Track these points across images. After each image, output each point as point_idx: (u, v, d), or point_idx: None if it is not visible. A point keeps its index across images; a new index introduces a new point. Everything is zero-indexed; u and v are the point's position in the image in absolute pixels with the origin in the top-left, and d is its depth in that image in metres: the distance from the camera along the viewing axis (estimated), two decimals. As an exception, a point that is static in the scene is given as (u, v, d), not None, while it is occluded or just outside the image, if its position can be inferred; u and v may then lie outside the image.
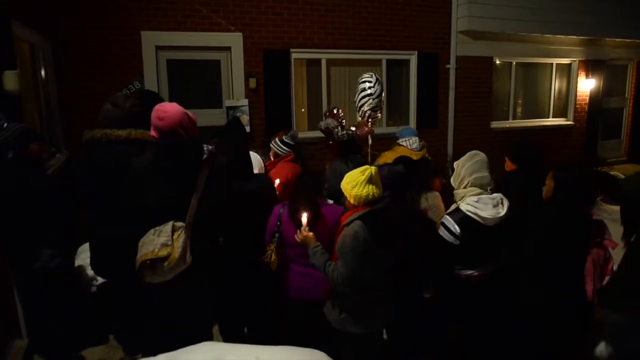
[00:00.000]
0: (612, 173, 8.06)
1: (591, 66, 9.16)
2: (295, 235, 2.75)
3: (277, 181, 3.45)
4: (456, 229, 2.88)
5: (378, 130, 7.15)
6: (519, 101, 8.92)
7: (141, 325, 3.08)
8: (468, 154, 3.07)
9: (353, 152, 4.79)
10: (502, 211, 2.88)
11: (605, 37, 8.90)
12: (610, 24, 8.66)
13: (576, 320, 2.97)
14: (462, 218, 2.88)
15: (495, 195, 2.96)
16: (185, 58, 6.18)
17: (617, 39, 9.07)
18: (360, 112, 4.73)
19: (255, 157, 3.58)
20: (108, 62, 5.64)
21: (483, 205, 2.87)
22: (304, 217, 2.71)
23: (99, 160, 2.77)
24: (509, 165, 3.76)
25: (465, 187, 2.96)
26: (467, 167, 2.96)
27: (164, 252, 2.27)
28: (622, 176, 7.00)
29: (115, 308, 3.41)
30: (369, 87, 4.66)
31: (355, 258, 2.51)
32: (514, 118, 8.81)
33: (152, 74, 5.91)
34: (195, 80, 6.31)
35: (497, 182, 3.65)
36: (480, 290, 3.00)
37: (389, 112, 7.62)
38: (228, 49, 6.30)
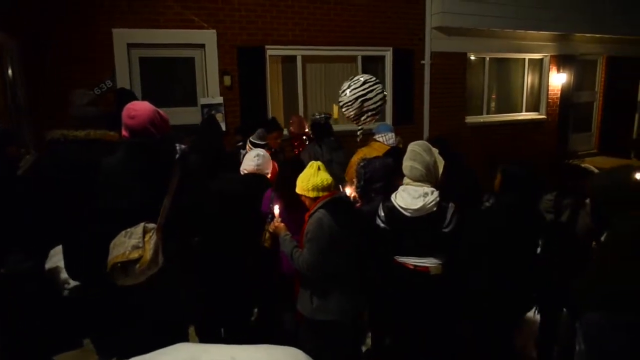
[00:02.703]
0: (583, 165, 8.25)
1: (562, 61, 9.33)
2: (269, 226, 2.91)
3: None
4: (382, 214, 2.96)
5: (353, 126, 7.19)
6: (493, 96, 9.05)
7: (115, 328, 3.02)
8: (413, 142, 3.09)
9: (326, 135, 4.90)
10: (420, 203, 2.87)
11: (575, 32, 9.08)
12: (580, 20, 8.84)
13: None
14: (388, 205, 2.96)
15: (421, 188, 2.93)
16: (159, 56, 6.09)
17: (587, 34, 9.26)
18: (376, 109, 4.67)
19: (266, 155, 3.56)
20: (79, 60, 5.51)
21: (405, 195, 2.90)
22: (276, 209, 2.88)
23: (61, 161, 2.71)
24: None
25: (404, 176, 3.00)
26: (406, 155, 3.01)
27: (135, 255, 2.23)
28: (595, 169, 7.17)
29: (89, 311, 3.34)
30: (382, 89, 4.68)
31: (319, 244, 2.65)
32: (488, 113, 8.93)
33: (125, 72, 5.80)
34: (169, 78, 6.23)
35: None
36: (416, 280, 3.01)
37: (366, 109, 7.63)
38: (202, 46, 6.23)
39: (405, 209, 2.89)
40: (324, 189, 2.73)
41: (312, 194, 2.74)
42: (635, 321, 2.57)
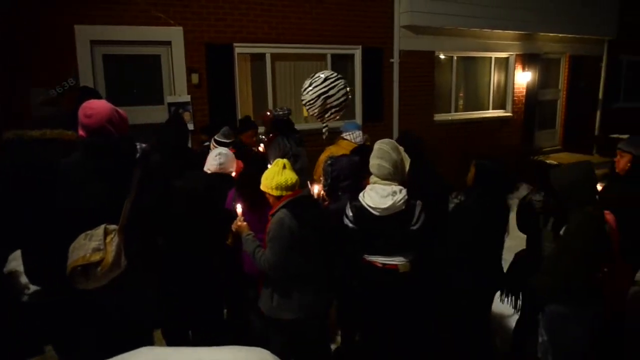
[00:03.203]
0: (548, 161, 8.50)
1: (527, 60, 9.54)
2: (232, 225, 2.92)
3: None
4: (350, 214, 2.94)
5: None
6: (461, 94, 9.19)
7: (77, 333, 2.94)
8: (379, 140, 3.07)
9: (291, 130, 4.93)
10: (389, 202, 2.85)
11: (539, 32, 9.30)
12: (545, 20, 9.07)
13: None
14: (356, 205, 2.94)
15: (390, 186, 2.92)
16: (123, 53, 5.95)
17: (551, 34, 9.50)
18: (340, 106, 4.63)
19: (228, 154, 3.50)
20: (39, 58, 5.32)
21: (373, 194, 2.89)
22: (238, 208, 2.89)
23: (16, 161, 2.60)
24: None
25: (371, 175, 2.98)
26: (372, 155, 2.99)
27: (96, 257, 2.18)
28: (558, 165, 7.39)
29: (50, 317, 3.24)
30: (345, 84, 4.64)
31: (280, 244, 2.66)
32: (456, 110, 9.06)
33: (88, 70, 5.64)
34: (135, 76, 6.09)
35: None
36: (385, 278, 3.02)
37: (335, 107, 7.65)
38: (168, 43, 6.11)
39: (374, 208, 2.87)
40: (287, 188, 2.73)
41: (275, 193, 2.73)
42: (591, 313, 2.66)
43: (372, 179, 2.99)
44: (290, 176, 2.75)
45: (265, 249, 2.74)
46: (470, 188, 3.16)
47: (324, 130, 4.87)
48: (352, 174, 3.18)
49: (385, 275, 2.98)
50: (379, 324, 3.14)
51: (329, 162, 3.20)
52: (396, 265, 2.99)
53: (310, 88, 4.55)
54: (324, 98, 4.46)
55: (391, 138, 7.74)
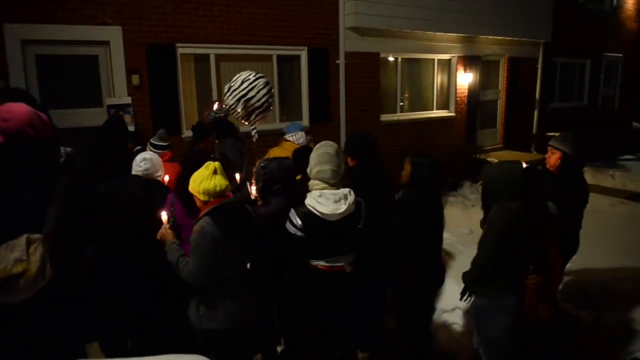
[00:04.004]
0: (489, 159, 8.83)
1: (468, 61, 9.86)
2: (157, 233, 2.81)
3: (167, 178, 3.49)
4: (298, 222, 2.85)
5: (272, 126, 7.17)
6: (406, 95, 9.39)
7: (2, 348, 2.78)
8: (319, 143, 3.00)
9: (232, 129, 4.85)
10: (343, 207, 2.83)
11: (479, 34, 9.63)
12: (484, 23, 9.40)
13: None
14: (304, 212, 2.85)
15: (339, 190, 2.89)
16: (58, 53, 5.69)
17: (490, 37, 9.86)
18: (262, 107, 4.55)
19: (154, 159, 3.38)
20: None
21: (324, 201, 2.82)
22: (164, 215, 2.78)
23: None
24: (350, 162, 3.65)
25: (313, 180, 2.92)
26: (313, 158, 2.92)
27: (18, 269, 2.06)
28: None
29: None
30: (266, 83, 4.54)
31: (203, 253, 2.58)
32: (402, 111, 9.25)
33: (19, 71, 5.36)
34: (71, 78, 5.83)
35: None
36: (332, 279, 3.01)
37: (282, 108, 7.65)
38: (106, 43, 5.90)
39: (328, 215, 2.81)
40: (215, 195, 2.63)
41: (202, 197, 2.64)
42: (510, 304, 2.78)
43: (315, 184, 2.90)
44: (219, 182, 2.64)
45: (189, 257, 2.66)
46: (406, 186, 3.22)
47: (253, 133, 4.76)
48: (283, 177, 3.12)
49: (332, 277, 2.97)
50: (328, 326, 3.12)
51: (261, 165, 3.17)
52: (342, 266, 2.99)
53: (229, 92, 4.47)
54: (244, 101, 4.37)
55: (339, 138, 7.87)
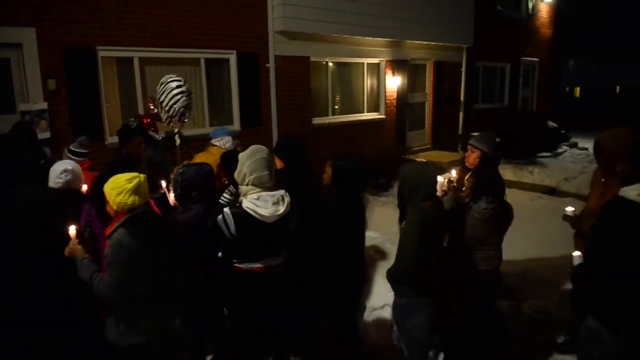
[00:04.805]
0: (418, 160, 9.15)
1: (396, 65, 10.17)
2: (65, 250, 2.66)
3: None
4: (232, 226, 2.84)
5: (202, 130, 7.07)
6: (337, 98, 9.54)
7: None
8: (250, 149, 2.97)
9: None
10: (282, 208, 2.90)
11: (406, 39, 9.97)
12: (410, 29, 9.76)
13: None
14: (241, 215, 2.85)
15: (276, 192, 2.94)
16: (-37, 56, 5.31)
17: (416, 41, 10.24)
18: (171, 111, 4.50)
19: (75, 170, 3.19)
20: None
21: (263, 203, 2.85)
22: (72, 229, 2.64)
23: None
24: (278, 163, 3.66)
25: (247, 185, 2.90)
26: (247, 165, 2.89)
27: None
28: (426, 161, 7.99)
29: None
30: (180, 86, 4.49)
31: (120, 267, 2.49)
32: (333, 114, 9.40)
33: None
34: (-21, 82, 5.46)
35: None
36: (265, 281, 3.02)
37: (212, 112, 7.56)
38: (19, 46, 5.57)
39: (268, 217, 2.83)
40: (129, 210, 2.56)
41: (115, 207, 2.56)
42: (429, 301, 2.92)
43: (252, 188, 2.89)
44: (137, 200, 2.56)
45: (104, 273, 2.54)
46: (327, 188, 3.29)
47: (175, 137, 4.71)
48: (201, 184, 3.08)
49: (266, 278, 2.99)
50: (265, 327, 3.14)
51: (179, 171, 3.12)
52: (276, 265, 3.02)
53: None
54: (159, 105, 4.36)
55: (271, 142, 7.87)
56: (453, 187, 3.47)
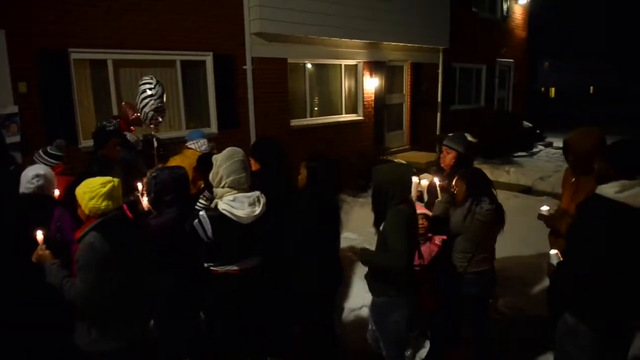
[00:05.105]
0: (396, 160, 9.21)
1: (374, 67, 10.22)
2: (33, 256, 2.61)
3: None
4: (209, 229, 2.82)
5: (178, 133, 7.00)
6: (315, 100, 9.55)
7: None
8: (226, 151, 2.97)
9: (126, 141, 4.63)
10: (258, 209, 2.90)
11: (383, 41, 10.04)
12: (388, 30, 9.83)
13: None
14: (217, 217, 2.83)
15: (251, 193, 2.94)
16: None
17: (393, 43, 10.30)
18: (142, 115, 4.54)
19: (48, 175, 3.11)
20: None
21: (239, 204, 2.85)
22: (39, 235, 2.59)
23: None
24: (254, 165, 3.64)
25: (223, 187, 2.89)
26: (224, 168, 2.88)
27: None
28: (404, 162, 8.04)
29: None
30: (150, 89, 4.50)
31: (92, 271, 2.44)
32: (312, 115, 9.41)
33: None
34: (-55, 86, 5.31)
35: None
36: (238, 282, 3.01)
37: (189, 115, 7.49)
38: (-13, 48, 5.44)
39: (244, 218, 2.83)
40: (101, 215, 2.52)
41: (89, 212, 2.51)
42: (406, 300, 2.94)
43: (228, 190, 2.88)
44: (111, 204, 2.52)
45: (75, 278, 2.49)
46: (302, 189, 3.29)
47: (153, 140, 4.72)
48: (175, 188, 3.06)
49: (240, 279, 2.97)
50: (241, 330, 3.10)
51: (152, 175, 3.08)
52: (251, 267, 3.01)
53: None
54: (140, 109, 4.38)
55: (249, 144, 7.84)
56: (450, 192, 3.48)
